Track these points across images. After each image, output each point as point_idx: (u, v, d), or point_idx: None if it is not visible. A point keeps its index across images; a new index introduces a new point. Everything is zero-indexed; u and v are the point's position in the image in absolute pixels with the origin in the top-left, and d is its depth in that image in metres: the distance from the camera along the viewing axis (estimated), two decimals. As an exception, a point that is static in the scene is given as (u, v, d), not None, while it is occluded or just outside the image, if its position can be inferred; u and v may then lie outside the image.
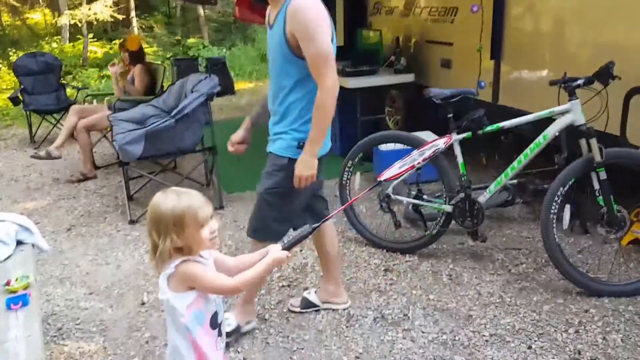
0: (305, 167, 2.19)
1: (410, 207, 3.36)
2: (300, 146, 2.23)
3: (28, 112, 6.30)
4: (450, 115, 3.02)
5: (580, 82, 2.70)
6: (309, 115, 2.20)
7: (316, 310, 2.70)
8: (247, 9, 6.17)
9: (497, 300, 2.74)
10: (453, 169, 3.12)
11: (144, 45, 6.78)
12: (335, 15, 6.15)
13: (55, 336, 2.60)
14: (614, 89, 2.68)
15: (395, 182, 3.16)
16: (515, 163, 2.94)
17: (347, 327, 2.58)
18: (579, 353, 2.32)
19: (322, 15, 2.12)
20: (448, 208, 3.10)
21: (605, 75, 2.66)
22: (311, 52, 2.10)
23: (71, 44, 13.90)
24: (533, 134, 2.89)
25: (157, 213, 1.46)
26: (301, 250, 3.29)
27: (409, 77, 4.94)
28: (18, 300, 1.86)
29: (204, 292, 1.51)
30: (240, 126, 2.56)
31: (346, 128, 4.84)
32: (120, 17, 14.52)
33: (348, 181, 3.41)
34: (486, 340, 2.43)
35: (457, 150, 3.03)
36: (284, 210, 2.36)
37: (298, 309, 2.71)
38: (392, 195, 3.24)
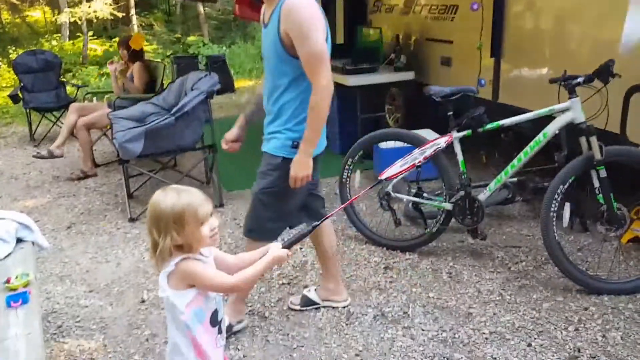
0: (301, 168, 2.18)
1: (410, 205, 3.36)
2: (295, 145, 2.21)
3: (28, 110, 6.30)
4: (450, 113, 3.02)
5: (580, 80, 2.70)
6: (303, 114, 2.19)
7: (316, 308, 2.70)
8: (247, 6, 6.15)
9: (497, 298, 2.74)
10: (453, 167, 3.12)
11: (144, 43, 6.77)
12: (336, 13, 6.15)
13: (55, 334, 2.60)
14: (614, 86, 2.68)
15: (395, 180, 3.16)
16: (515, 161, 2.94)
17: (347, 324, 2.58)
18: (579, 351, 2.32)
19: (316, 15, 2.10)
20: (448, 206, 3.10)
21: (605, 73, 2.66)
22: (305, 51, 2.08)
23: (71, 41, 13.91)
24: (533, 132, 2.88)
25: (157, 211, 1.46)
26: (301, 248, 3.29)
27: (409, 75, 4.94)
28: (18, 297, 1.86)
29: (204, 289, 1.51)
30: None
31: (346, 126, 4.81)
32: (120, 14, 14.53)
33: (348, 179, 3.40)
34: (486, 338, 2.43)
35: (457, 148, 3.03)
36: (279, 210, 2.35)
37: (298, 307, 2.71)
38: (392, 193, 3.25)
